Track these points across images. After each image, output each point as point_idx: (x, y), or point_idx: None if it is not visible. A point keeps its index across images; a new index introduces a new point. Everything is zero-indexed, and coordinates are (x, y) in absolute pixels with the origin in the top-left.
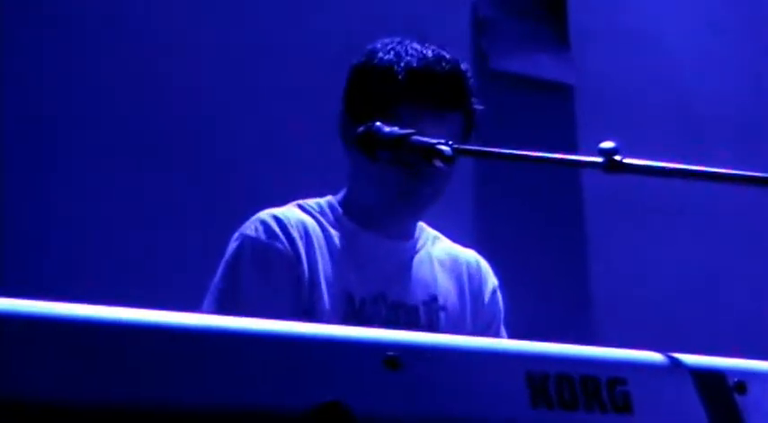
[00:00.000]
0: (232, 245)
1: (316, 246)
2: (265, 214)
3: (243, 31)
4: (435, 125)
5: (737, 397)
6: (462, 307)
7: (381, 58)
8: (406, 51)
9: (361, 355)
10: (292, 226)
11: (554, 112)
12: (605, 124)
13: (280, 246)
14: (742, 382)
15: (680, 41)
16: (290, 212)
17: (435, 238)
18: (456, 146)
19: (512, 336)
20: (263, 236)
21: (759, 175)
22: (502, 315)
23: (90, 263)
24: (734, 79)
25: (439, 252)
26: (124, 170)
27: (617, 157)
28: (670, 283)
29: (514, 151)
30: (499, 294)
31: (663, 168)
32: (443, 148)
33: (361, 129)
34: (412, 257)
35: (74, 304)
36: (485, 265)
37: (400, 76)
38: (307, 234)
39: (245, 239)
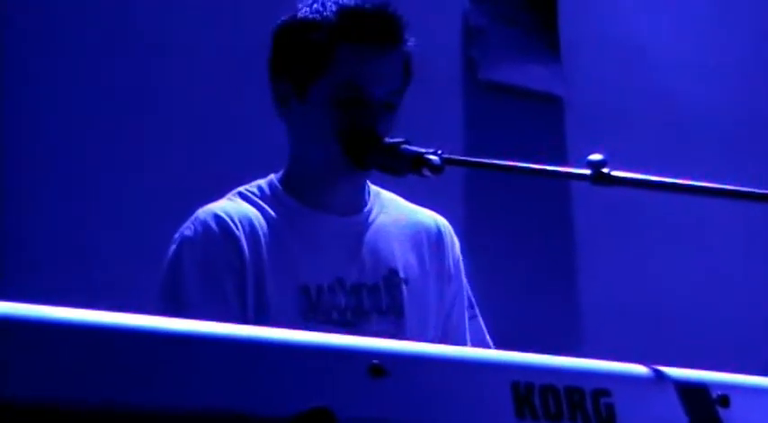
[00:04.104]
0: (171, 247)
1: (262, 240)
2: (205, 213)
3: (239, 31)
4: (374, 65)
5: (720, 410)
6: (424, 278)
7: (308, 9)
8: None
9: (347, 362)
10: (235, 223)
11: (543, 123)
12: (594, 135)
13: (220, 248)
14: (725, 395)
15: (670, 53)
16: (233, 206)
17: (391, 201)
18: (445, 155)
19: (499, 345)
20: (201, 238)
21: (746, 191)
22: (465, 283)
23: (89, 265)
24: (723, 91)
25: (397, 218)
26: (124, 172)
27: (605, 170)
28: (657, 293)
29: (503, 162)
30: (461, 262)
31: (650, 181)
32: (432, 157)
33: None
34: (366, 231)
35: (67, 309)
36: (445, 228)
37: (332, 18)
38: (252, 229)
39: (185, 241)
